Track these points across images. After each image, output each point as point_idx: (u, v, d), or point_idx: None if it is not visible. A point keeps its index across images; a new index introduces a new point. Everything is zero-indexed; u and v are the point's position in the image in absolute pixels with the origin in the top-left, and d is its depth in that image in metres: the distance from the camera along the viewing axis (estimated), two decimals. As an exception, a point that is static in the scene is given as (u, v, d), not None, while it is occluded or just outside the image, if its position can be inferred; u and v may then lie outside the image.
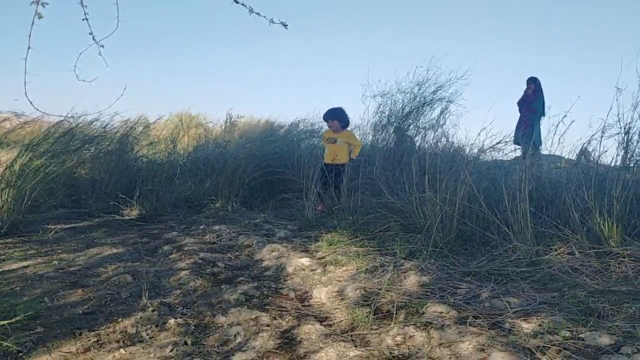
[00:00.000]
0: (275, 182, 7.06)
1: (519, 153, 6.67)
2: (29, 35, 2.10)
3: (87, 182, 6.55)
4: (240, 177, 6.49)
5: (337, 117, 6.34)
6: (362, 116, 9.11)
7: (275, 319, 2.87)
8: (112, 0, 2.78)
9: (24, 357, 2.36)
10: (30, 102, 2.26)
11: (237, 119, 13.70)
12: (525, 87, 9.40)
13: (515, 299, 2.94)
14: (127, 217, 5.86)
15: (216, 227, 5.32)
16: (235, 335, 2.62)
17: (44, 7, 2.09)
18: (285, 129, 11.18)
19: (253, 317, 2.87)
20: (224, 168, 6.63)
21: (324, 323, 2.80)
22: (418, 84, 8.11)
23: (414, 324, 2.63)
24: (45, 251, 4.16)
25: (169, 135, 9.41)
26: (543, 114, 9.01)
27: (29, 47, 2.12)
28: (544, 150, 7.31)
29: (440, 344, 2.41)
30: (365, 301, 3.00)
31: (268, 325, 2.76)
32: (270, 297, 3.27)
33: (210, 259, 4.11)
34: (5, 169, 4.60)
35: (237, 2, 2.69)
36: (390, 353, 2.38)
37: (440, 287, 3.20)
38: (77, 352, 2.42)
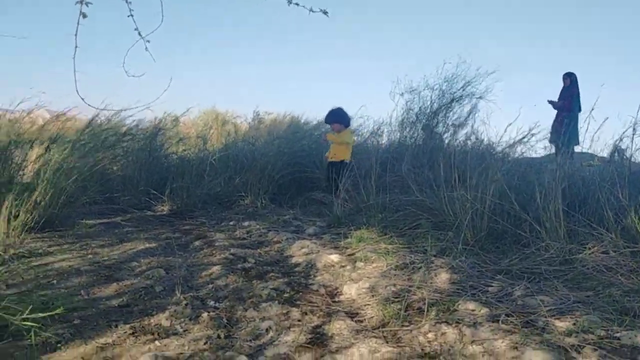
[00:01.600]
0: (303, 179, 7.09)
1: (553, 150, 6.58)
2: (75, 35, 2.15)
3: (119, 178, 6.66)
4: (269, 174, 6.54)
5: (338, 119, 6.77)
6: (390, 113, 9.08)
7: (306, 314, 2.89)
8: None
9: (62, 347, 2.42)
10: (82, 99, 2.33)
11: (264, 115, 13.78)
12: (561, 83, 9.25)
13: (549, 298, 2.91)
14: (158, 213, 5.95)
15: (246, 224, 5.37)
16: (266, 330, 2.65)
17: (87, 6, 2.14)
18: (312, 125, 11.18)
19: (284, 312, 2.90)
20: (253, 165, 6.69)
21: (355, 319, 2.80)
22: (446, 80, 8.05)
23: (445, 321, 2.62)
24: (81, 245, 4.25)
25: (199, 132, 9.52)
26: (579, 110, 8.84)
27: (76, 46, 2.17)
28: (578, 148, 7.20)
29: (473, 341, 2.40)
30: (396, 298, 3.00)
31: (299, 321, 2.78)
32: (300, 293, 3.30)
33: (240, 254, 4.15)
34: (41, 165, 4.71)
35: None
36: (422, 350, 2.38)
37: (471, 284, 3.18)
38: (114, 344, 2.47)
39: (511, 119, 7.01)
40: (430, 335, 2.52)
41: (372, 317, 2.82)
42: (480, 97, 8.05)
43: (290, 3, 2.99)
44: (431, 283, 3.24)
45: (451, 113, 8.03)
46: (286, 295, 3.23)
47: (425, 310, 2.76)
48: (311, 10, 3.15)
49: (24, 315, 2.41)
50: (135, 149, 6.83)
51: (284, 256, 4.24)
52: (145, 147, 6.86)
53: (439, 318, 2.68)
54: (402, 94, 8.26)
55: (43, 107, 6.96)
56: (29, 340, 2.43)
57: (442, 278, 3.30)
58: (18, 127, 6.38)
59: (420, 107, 8.15)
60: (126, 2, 2.79)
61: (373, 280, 3.37)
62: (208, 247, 4.44)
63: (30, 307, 2.43)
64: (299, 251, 4.28)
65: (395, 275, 3.45)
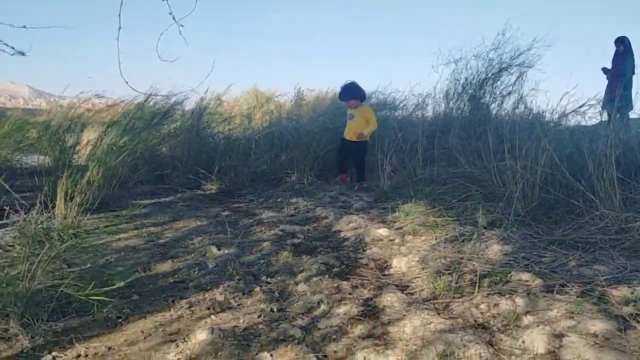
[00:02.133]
0: (348, 154, 7.06)
1: (605, 117, 6.35)
2: (119, 15, 2.19)
3: (169, 158, 6.81)
4: (315, 151, 6.56)
5: (352, 95, 6.26)
6: (434, 85, 8.92)
7: (356, 287, 2.91)
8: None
9: (122, 322, 2.52)
10: (126, 82, 2.38)
11: (306, 92, 13.75)
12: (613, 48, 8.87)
13: (605, 267, 2.84)
14: (207, 192, 6.06)
15: (293, 200, 5.42)
16: (318, 303, 2.68)
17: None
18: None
19: (334, 285, 2.93)
20: (298, 142, 6.72)
21: (406, 292, 2.81)
22: (495, 49, 7.82)
23: (498, 293, 2.60)
24: (135, 225, 4.38)
25: (242, 111, 9.61)
26: (633, 73, 8.48)
27: (119, 27, 2.22)
28: (633, 114, 6.93)
29: (527, 312, 2.37)
30: (447, 270, 2.99)
31: (350, 294, 2.81)
32: (350, 267, 3.32)
33: (289, 230, 4.21)
34: (94, 147, 4.86)
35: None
36: (475, 321, 2.37)
37: (524, 255, 3.13)
38: (172, 319, 2.55)
39: (562, 87, 6.78)
40: (482, 306, 2.50)
41: (422, 290, 2.82)
42: (530, 66, 7.80)
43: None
44: (482, 255, 3.21)
45: (499, 82, 7.82)
46: (336, 269, 3.26)
47: (477, 282, 2.74)
48: None
49: (87, 291, 2.51)
50: (183, 129, 6.96)
51: (332, 231, 4.27)
52: (192, 127, 6.97)
53: (491, 289, 2.65)
54: (446, 64, 8.09)
55: (96, 95, 7.14)
56: (91, 316, 2.55)
57: (494, 250, 3.26)
58: (73, 113, 6.58)
59: (466, 78, 7.97)
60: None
61: (423, 253, 3.36)
62: (257, 224, 4.52)
63: (93, 283, 2.54)
64: (347, 226, 4.30)
65: (444, 247, 3.43)
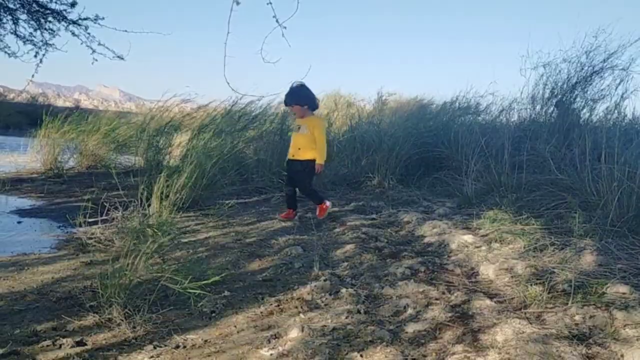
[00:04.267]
0: (430, 159, 7.00)
1: None
2: (228, 22, 2.30)
3: (253, 161, 7.00)
4: (397, 155, 6.55)
5: (298, 99, 4.87)
6: (521, 89, 8.64)
7: (444, 293, 2.89)
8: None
9: (216, 316, 2.63)
10: (228, 83, 2.49)
11: (387, 96, 13.71)
12: None
13: None
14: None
15: (375, 204, 5.44)
16: (405, 307, 2.68)
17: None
18: (437, 105, 10.97)
19: (421, 290, 2.92)
20: (380, 146, 6.73)
21: (495, 299, 2.76)
22: (586, 52, 7.49)
23: (593, 304, 2.51)
24: (223, 224, 4.55)
25: (324, 115, 9.72)
26: None
27: (228, 32, 2.32)
28: None
29: (625, 325, 2.27)
30: (538, 279, 2.91)
31: (437, 299, 2.79)
32: (435, 272, 3.30)
33: (372, 233, 4.23)
34: (187, 150, 5.08)
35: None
36: (570, 332, 2.29)
37: (620, 267, 3.00)
38: (262, 315, 2.64)
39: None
40: (577, 317, 2.42)
41: (512, 298, 2.76)
42: (624, 69, 7.40)
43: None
44: (575, 265, 3.10)
45: (590, 87, 7.47)
46: (421, 274, 3.25)
47: (572, 292, 2.65)
48: None
49: (184, 285, 2.64)
50: (267, 132, 7.14)
51: (415, 236, 4.25)
52: (277, 130, 7.14)
53: (586, 300, 2.56)
54: (534, 68, 7.83)
55: (188, 99, 7.48)
56: (187, 309, 2.68)
57: (587, 260, 3.14)
58: (167, 116, 6.92)
59: (555, 82, 7.67)
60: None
61: (511, 261, 3.28)
62: (340, 226, 4.57)
63: (190, 277, 2.67)
64: (430, 231, 4.27)
65: (534, 256, 3.34)
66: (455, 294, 2.86)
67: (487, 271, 3.21)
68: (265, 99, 7.73)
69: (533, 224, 4.01)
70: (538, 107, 7.96)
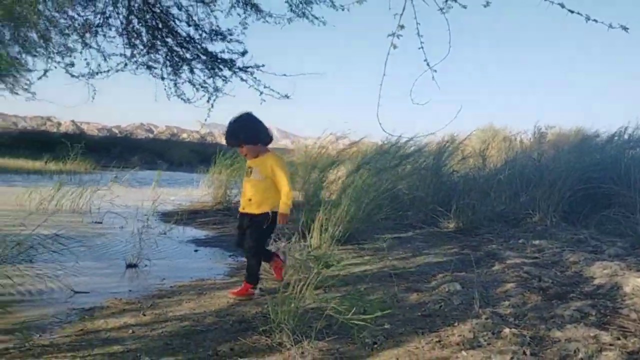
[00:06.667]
0: (597, 195, 6.55)
1: None
2: (385, 63, 2.44)
3: (407, 196, 7.07)
4: (559, 191, 6.22)
5: (243, 137, 3.68)
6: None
7: (618, 339, 2.70)
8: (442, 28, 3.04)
9: (378, 348, 2.69)
10: (380, 124, 2.61)
11: (546, 129, 13.09)
12: None
13: None
14: (444, 229, 6.14)
15: (536, 242, 5.21)
16: (575, 351, 2.55)
17: (398, 38, 2.40)
18: (603, 137, 10.24)
19: (592, 334, 2.75)
20: (540, 181, 6.45)
21: (680, 350, 2.52)
22: None
23: None
24: (379, 258, 4.65)
25: (477, 150, 9.55)
26: None
27: (384, 74, 2.46)
28: None
29: None
30: None
31: (611, 345, 2.62)
32: (608, 317, 3.09)
33: (534, 273, 4.06)
34: (346, 185, 5.30)
35: (572, 12, 2.66)
36: None
37: None
38: (423, 350, 2.66)
39: None
40: None
41: (702, 350, 2.51)
42: None
43: (588, 20, 2.89)
44: None
45: None
46: (592, 317, 3.06)
47: None
48: (610, 26, 2.99)
49: (348, 316, 2.75)
50: (421, 168, 7.19)
51: (583, 277, 4.01)
52: (430, 166, 7.16)
53: None
54: None
55: (342, 136, 7.81)
56: (350, 338, 2.78)
57: None
58: (324, 153, 7.28)
59: None
60: (418, 35, 3.04)
61: (699, 308, 2.98)
62: (499, 264, 4.44)
63: (354, 309, 2.78)
64: (600, 272, 4.00)
65: None
66: (631, 340, 2.66)
67: (670, 318, 2.94)
68: (420, 137, 7.83)
69: None
70: None
